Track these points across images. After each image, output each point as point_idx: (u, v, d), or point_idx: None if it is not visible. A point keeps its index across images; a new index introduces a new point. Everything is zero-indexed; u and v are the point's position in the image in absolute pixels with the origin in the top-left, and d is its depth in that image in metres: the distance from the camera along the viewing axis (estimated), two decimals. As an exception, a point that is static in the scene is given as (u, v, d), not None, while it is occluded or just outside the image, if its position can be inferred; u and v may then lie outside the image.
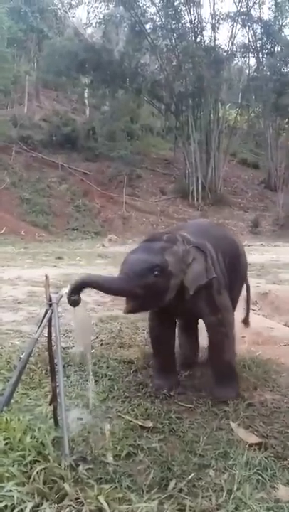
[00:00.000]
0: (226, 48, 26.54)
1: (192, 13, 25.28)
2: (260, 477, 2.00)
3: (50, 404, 2.26)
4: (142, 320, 4.68)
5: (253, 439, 2.33)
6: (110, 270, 8.68)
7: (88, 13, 31.59)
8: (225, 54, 26.31)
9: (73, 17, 32.69)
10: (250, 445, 2.26)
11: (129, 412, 2.54)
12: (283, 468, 2.10)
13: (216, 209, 24.41)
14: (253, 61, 29.25)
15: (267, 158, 27.96)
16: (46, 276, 2.20)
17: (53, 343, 2.23)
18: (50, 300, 2.16)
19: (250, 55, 28.41)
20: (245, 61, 30.76)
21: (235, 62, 30.40)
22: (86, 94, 31.13)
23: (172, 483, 1.92)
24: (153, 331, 3.01)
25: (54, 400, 2.17)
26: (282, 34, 27.13)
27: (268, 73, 26.45)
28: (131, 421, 2.43)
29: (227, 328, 2.88)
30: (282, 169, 26.74)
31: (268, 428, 2.48)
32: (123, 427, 2.35)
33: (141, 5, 25.08)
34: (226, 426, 2.46)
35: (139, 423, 2.41)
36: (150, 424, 2.42)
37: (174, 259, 2.58)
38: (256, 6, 27.06)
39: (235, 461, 2.09)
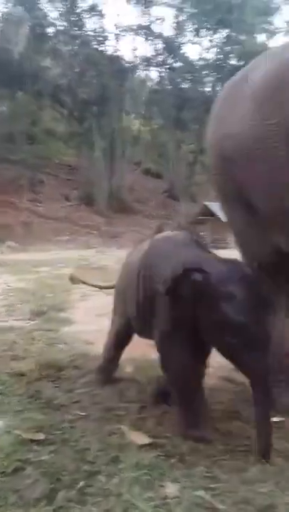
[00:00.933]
0: (128, 60, 27.32)
1: (95, 22, 25.59)
2: (149, 477, 2.03)
3: None
4: (39, 330, 4.57)
5: (144, 440, 2.39)
6: (6, 279, 8.29)
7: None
8: (128, 65, 27.01)
9: None
10: (141, 446, 2.30)
11: (19, 426, 2.44)
12: (172, 466, 2.16)
13: (122, 216, 24.80)
14: (155, 74, 30.46)
15: (169, 169, 29.23)
16: None
17: None
18: None
19: (152, 68, 29.57)
20: (147, 74, 31.88)
21: (137, 73, 31.35)
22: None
23: (61, 494, 1.88)
24: (185, 364, 2.45)
25: None
26: (182, 51, 28.68)
27: (170, 87, 27.74)
28: (20, 435, 2.33)
29: None
30: (183, 180, 28.16)
31: (159, 428, 2.55)
32: (12, 442, 2.25)
33: (42, 8, 24.68)
34: (118, 430, 2.49)
35: (30, 436, 2.33)
36: (41, 437, 2.34)
37: None
38: (158, 22, 28.33)
39: (125, 464, 2.11)
